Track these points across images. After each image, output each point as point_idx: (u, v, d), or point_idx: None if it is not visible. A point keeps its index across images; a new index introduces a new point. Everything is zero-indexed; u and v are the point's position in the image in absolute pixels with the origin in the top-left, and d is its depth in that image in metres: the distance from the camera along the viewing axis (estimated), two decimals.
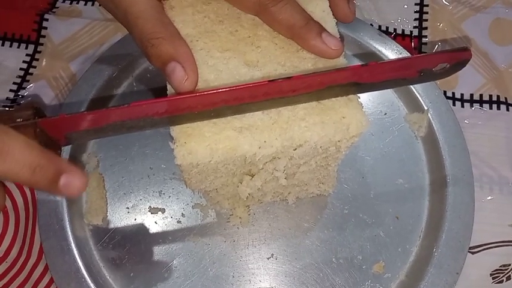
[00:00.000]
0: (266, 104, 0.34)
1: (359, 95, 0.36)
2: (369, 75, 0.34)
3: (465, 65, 0.35)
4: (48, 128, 0.32)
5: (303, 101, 0.35)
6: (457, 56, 0.35)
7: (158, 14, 0.36)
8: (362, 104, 0.35)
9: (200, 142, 0.33)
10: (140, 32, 0.35)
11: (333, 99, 0.35)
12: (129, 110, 0.32)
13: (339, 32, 0.38)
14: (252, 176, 0.39)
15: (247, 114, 0.34)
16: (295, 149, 0.35)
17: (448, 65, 0.35)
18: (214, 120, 0.34)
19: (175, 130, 0.34)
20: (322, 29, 0.36)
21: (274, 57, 0.36)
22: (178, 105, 0.33)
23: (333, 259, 0.46)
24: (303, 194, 0.48)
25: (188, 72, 0.33)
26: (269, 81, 0.32)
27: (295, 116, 0.34)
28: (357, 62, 0.55)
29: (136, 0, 0.35)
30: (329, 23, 0.38)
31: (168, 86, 0.35)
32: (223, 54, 0.36)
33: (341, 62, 0.36)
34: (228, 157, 0.34)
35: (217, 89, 0.32)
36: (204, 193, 0.46)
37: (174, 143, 0.33)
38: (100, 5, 0.59)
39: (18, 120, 0.32)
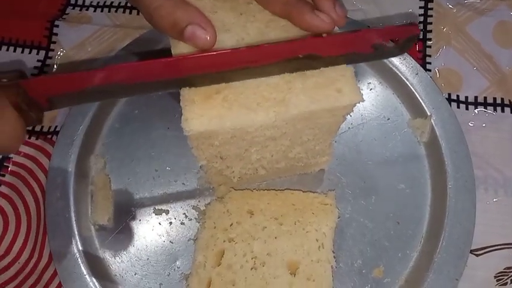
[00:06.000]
0: (239, 74, 0.36)
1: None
2: (325, 47, 0.36)
3: (414, 42, 0.37)
4: (30, 90, 0.33)
5: (273, 73, 0.36)
6: (406, 30, 0.37)
7: None
8: (355, 78, 0.37)
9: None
10: (147, 6, 0.36)
11: (329, 76, 0.36)
12: (108, 73, 0.33)
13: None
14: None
15: (247, 94, 0.36)
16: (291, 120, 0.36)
17: (399, 40, 0.36)
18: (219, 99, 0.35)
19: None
20: (314, 7, 0.37)
21: None
22: (152, 70, 0.34)
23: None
24: (302, 168, 0.48)
25: (207, 29, 0.35)
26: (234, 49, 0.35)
27: (293, 92, 0.36)
28: (361, 68, 0.54)
29: None
30: None
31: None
32: None
33: None
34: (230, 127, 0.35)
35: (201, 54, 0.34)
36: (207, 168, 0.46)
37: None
38: (109, 11, 0.61)
39: (3, 80, 0.32)
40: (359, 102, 0.36)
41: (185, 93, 0.35)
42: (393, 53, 0.39)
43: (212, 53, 0.35)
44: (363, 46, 0.36)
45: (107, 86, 0.34)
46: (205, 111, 0.35)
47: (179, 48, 0.37)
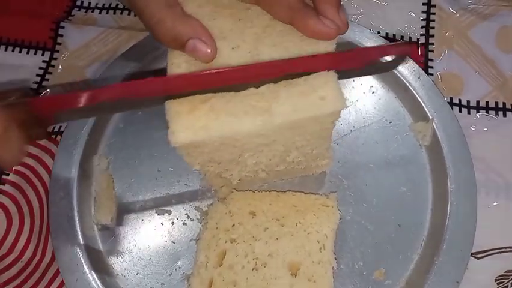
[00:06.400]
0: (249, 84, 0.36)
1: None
2: (317, 65, 0.36)
3: (403, 60, 0.40)
4: (37, 107, 0.34)
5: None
6: (398, 49, 0.38)
7: None
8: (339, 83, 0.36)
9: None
10: (149, 19, 0.36)
11: (312, 84, 0.36)
12: (113, 90, 0.34)
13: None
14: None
15: (234, 103, 0.36)
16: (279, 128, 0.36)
17: (393, 58, 0.38)
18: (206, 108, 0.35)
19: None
20: (317, 13, 0.37)
21: None
22: (167, 86, 0.35)
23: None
24: (303, 170, 0.49)
25: (208, 42, 0.36)
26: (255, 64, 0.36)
27: (278, 101, 0.36)
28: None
29: None
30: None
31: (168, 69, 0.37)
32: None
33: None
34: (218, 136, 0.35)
35: (210, 71, 0.35)
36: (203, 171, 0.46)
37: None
38: (114, 14, 0.62)
39: (11, 98, 0.34)
40: (343, 109, 0.36)
41: (171, 105, 0.35)
42: (383, 70, 0.40)
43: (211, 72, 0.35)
44: (356, 63, 0.38)
45: (109, 103, 0.35)
46: (192, 123, 0.34)
47: (176, 55, 0.37)
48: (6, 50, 0.60)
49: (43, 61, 0.59)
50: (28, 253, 0.49)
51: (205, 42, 0.36)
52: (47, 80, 0.58)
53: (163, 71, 0.56)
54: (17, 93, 0.35)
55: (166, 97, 0.36)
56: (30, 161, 0.53)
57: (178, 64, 0.37)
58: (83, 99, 0.34)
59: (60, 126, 0.55)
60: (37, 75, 0.58)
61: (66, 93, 0.35)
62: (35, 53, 0.59)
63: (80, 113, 0.36)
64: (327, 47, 0.37)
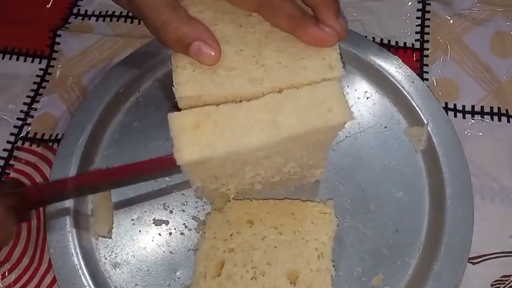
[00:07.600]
0: None
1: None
2: None
3: None
4: (26, 196, 0.44)
5: None
6: None
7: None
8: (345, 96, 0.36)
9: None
10: (154, 21, 0.36)
11: (318, 94, 0.36)
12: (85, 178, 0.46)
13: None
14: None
15: (238, 117, 0.35)
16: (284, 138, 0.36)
17: None
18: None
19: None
20: (317, 20, 0.37)
21: (278, 75, 0.37)
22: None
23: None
24: (297, 180, 0.49)
25: (213, 45, 0.36)
26: None
27: (283, 114, 0.35)
28: (358, 77, 0.56)
29: None
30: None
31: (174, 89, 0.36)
32: (229, 73, 0.37)
33: (337, 65, 0.37)
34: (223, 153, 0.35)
35: None
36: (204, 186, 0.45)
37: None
38: (110, 21, 0.61)
39: (5, 189, 0.44)
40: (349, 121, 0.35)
41: (174, 120, 0.35)
42: None
43: None
44: None
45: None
46: (197, 139, 0.34)
47: (179, 58, 0.37)
48: (3, 58, 0.60)
49: (40, 69, 0.59)
50: (25, 261, 0.49)
51: (210, 44, 0.36)
52: (44, 87, 0.58)
53: (162, 76, 0.56)
54: (9, 185, 0.44)
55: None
56: (27, 169, 0.53)
57: (183, 66, 0.37)
58: (58, 188, 0.47)
59: (58, 134, 0.55)
60: (34, 83, 0.58)
61: (49, 184, 0.48)
62: (32, 61, 0.60)
63: (64, 197, 0.48)
64: (330, 52, 0.37)
